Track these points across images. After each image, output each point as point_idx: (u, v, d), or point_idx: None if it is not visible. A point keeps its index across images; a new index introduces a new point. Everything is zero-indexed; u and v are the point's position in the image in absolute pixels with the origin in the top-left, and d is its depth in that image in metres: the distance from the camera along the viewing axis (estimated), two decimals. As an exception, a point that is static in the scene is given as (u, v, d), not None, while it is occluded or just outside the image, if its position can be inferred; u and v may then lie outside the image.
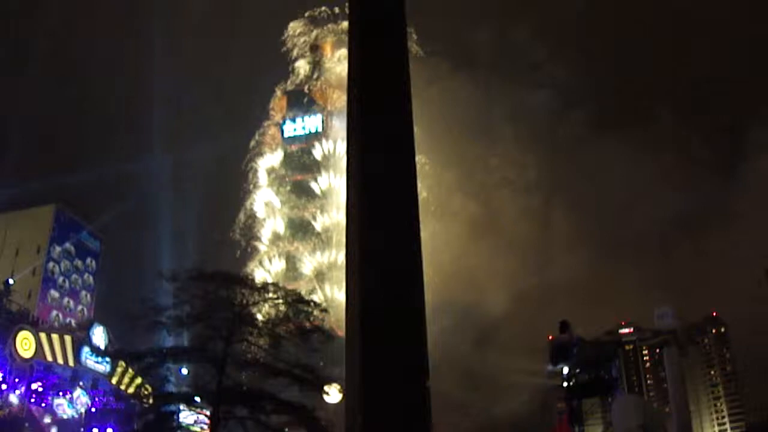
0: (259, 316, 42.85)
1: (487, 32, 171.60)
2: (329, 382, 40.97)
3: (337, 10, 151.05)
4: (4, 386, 64.64)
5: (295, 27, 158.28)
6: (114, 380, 73.52)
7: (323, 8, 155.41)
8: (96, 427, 67.85)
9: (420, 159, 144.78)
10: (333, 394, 47.60)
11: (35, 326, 73.19)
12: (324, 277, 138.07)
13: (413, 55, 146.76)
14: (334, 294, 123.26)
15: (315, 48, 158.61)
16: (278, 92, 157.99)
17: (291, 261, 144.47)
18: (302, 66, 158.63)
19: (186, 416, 48.31)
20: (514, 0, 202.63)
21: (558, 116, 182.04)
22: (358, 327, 4.77)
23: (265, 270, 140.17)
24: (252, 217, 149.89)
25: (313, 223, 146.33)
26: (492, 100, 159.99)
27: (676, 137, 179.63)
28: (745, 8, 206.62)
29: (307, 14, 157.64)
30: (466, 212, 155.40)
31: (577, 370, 67.71)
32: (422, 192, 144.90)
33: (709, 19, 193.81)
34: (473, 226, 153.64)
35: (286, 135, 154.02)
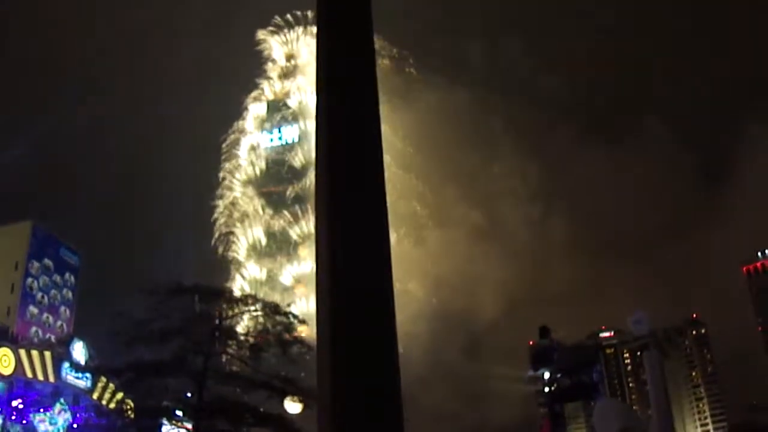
0: (239, 329, 42.77)
1: (482, 48, 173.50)
2: (310, 393, 40.82)
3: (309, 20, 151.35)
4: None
5: (269, 36, 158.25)
6: (95, 395, 72.90)
7: (299, 18, 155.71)
8: (78, 442, 67.35)
9: (414, 174, 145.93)
10: (293, 405, 47.48)
11: (15, 343, 72.57)
12: (302, 287, 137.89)
13: (410, 72, 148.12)
14: (312, 305, 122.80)
15: (290, 57, 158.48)
16: (254, 103, 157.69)
17: (269, 272, 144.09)
18: (279, 76, 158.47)
19: (168, 430, 48.07)
20: (506, 17, 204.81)
21: (551, 127, 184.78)
22: (328, 340, 4.81)
23: (244, 281, 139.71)
24: (230, 228, 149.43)
25: (290, 233, 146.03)
26: (488, 113, 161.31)
27: (662, 146, 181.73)
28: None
29: (280, 22, 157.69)
30: (464, 221, 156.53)
31: (559, 375, 68.00)
32: (416, 206, 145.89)
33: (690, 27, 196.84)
34: (471, 234, 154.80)
35: (263, 145, 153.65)
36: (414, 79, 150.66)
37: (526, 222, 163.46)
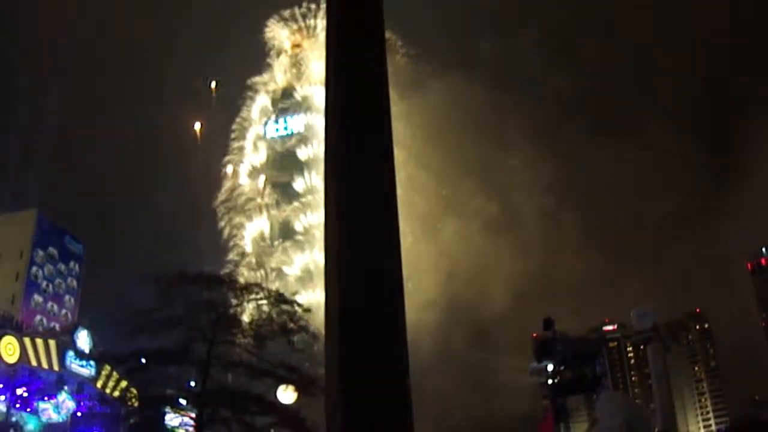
0: (244, 317, 42.74)
1: (493, 44, 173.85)
2: (314, 382, 40.87)
3: (318, 8, 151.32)
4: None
5: (276, 26, 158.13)
6: (99, 384, 73.08)
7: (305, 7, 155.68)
8: (82, 430, 67.53)
9: (428, 169, 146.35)
10: (288, 394, 47.42)
11: (19, 331, 72.77)
12: (308, 277, 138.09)
13: (423, 69, 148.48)
14: (318, 294, 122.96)
15: (297, 47, 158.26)
16: (261, 93, 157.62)
17: (275, 262, 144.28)
18: (285, 66, 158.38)
19: (171, 418, 48.20)
20: (516, 13, 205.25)
21: (563, 122, 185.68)
22: (336, 328, 4.78)
23: (249, 270, 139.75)
24: (235, 217, 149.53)
25: (296, 223, 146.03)
26: (501, 107, 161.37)
27: (667, 142, 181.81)
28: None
29: (287, 13, 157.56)
30: (478, 213, 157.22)
31: (562, 367, 67.96)
32: (430, 199, 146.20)
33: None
34: (484, 226, 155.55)
35: (269, 135, 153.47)
36: (427, 75, 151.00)
37: (538, 215, 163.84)
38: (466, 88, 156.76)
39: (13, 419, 65.93)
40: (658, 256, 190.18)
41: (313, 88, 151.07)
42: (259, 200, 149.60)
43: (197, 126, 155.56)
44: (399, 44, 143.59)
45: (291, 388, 46.70)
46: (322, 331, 5.13)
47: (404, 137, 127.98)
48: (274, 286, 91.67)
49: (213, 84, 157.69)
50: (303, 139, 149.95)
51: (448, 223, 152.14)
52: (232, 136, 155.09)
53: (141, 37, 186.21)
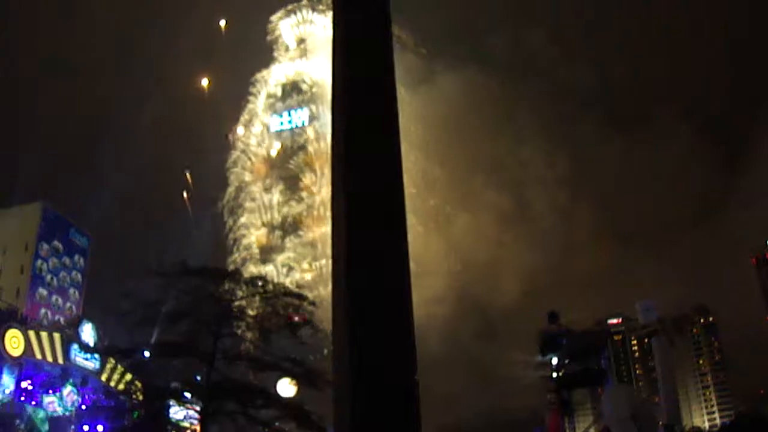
0: (249, 311, 42.76)
1: (504, 36, 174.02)
2: (320, 375, 40.88)
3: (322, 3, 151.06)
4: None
5: (280, 19, 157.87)
6: (104, 377, 73.36)
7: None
8: (87, 424, 67.69)
9: (440, 164, 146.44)
10: (288, 387, 47.31)
11: (24, 324, 72.89)
12: (318, 272, 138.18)
13: (433, 63, 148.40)
14: (325, 289, 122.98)
15: (302, 41, 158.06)
16: (264, 86, 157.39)
17: (283, 257, 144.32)
18: (291, 59, 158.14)
19: (176, 411, 48.25)
20: (529, 7, 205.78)
21: (575, 116, 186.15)
22: (345, 323, 4.75)
23: (256, 265, 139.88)
24: (241, 211, 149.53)
25: (302, 216, 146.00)
26: (513, 101, 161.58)
27: (679, 137, 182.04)
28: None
29: (294, 6, 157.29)
30: (489, 207, 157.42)
31: (567, 361, 67.86)
32: (442, 193, 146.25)
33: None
34: (495, 220, 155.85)
35: (272, 129, 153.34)
36: (439, 70, 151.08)
37: (549, 209, 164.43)
38: (478, 83, 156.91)
39: None
40: (665, 249, 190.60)
41: (320, 81, 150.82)
42: (264, 193, 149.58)
43: (204, 82, 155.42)
44: (412, 41, 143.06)
45: (291, 381, 46.75)
46: (330, 326, 5.07)
47: (415, 132, 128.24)
48: (285, 281, 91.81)
49: (222, 23, 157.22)
50: (307, 131, 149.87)
51: (459, 216, 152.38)
52: (236, 128, 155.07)
53: (141, 31, 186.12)
